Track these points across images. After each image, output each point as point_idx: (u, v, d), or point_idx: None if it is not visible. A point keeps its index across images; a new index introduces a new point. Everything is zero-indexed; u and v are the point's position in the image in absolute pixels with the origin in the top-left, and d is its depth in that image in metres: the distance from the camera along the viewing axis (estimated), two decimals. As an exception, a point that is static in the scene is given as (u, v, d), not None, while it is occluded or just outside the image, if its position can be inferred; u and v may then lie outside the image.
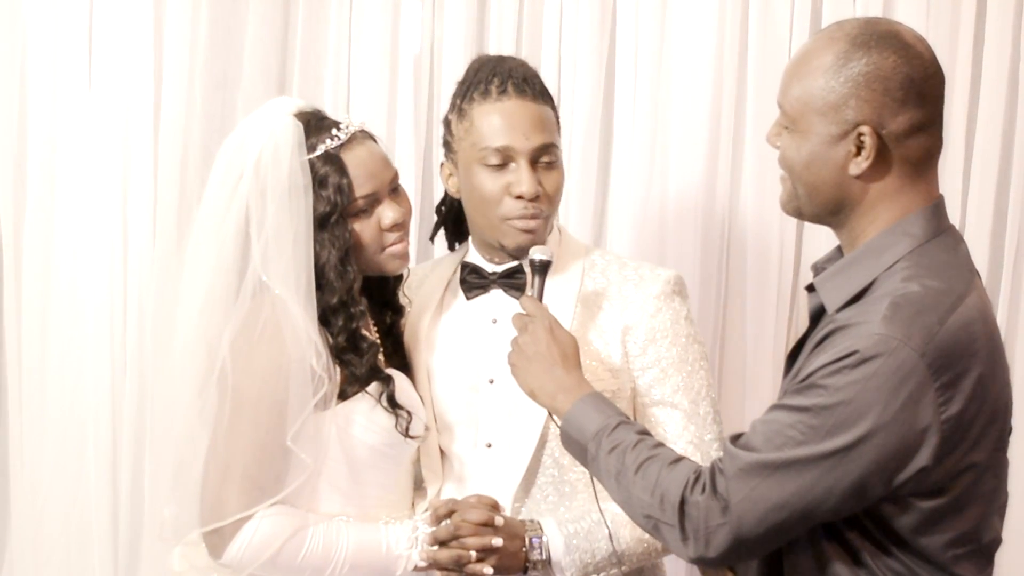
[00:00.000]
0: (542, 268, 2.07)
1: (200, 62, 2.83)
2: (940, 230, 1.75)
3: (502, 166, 2.14)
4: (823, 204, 1.78)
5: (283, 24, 2.89)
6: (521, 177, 2.13)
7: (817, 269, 1.89)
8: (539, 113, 2.16)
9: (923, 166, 1.75)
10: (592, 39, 2.88)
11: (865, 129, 1.70)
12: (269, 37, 2.86)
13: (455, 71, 2.84)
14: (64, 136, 2.82)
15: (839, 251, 1.86)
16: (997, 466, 1.74)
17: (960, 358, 1.64)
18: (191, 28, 2.81)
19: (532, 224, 2.15)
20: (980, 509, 1.72)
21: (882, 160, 1.72)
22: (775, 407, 1.73)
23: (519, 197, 2.13)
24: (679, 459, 1.79)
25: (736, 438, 1.75)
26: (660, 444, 1.83)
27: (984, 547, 1.76)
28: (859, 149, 1.71)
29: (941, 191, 1.81)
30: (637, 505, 1.78)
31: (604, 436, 1.84)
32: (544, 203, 2.15)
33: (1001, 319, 2.90)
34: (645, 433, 1.85)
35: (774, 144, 1.83)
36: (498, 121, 2.13)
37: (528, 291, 2.09)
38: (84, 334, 2.84)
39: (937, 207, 1.77)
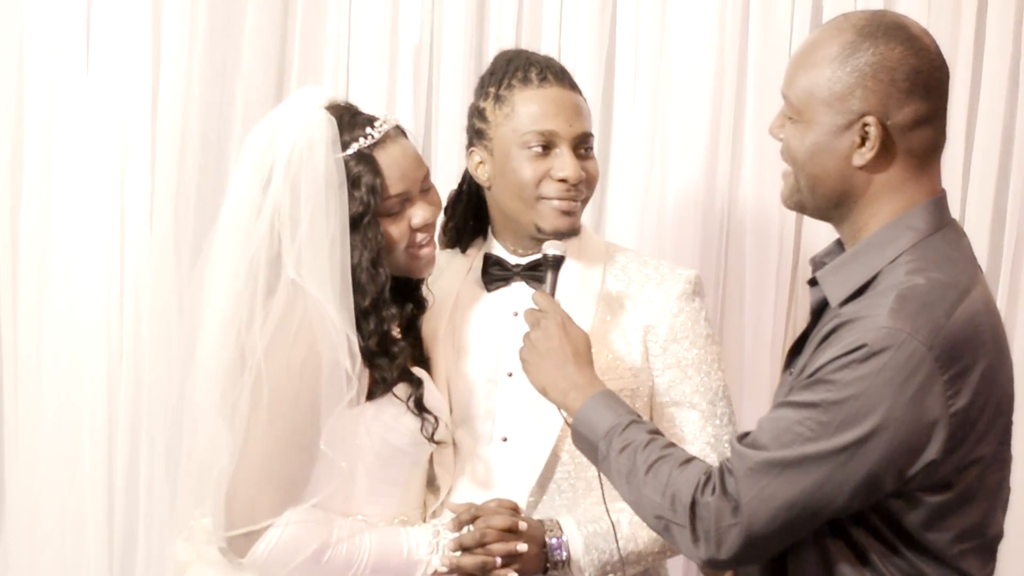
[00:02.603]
0: (555, 263, 2.07)
1: (199, 50, 2.81)
2: (943, 224, 1.75)
3: (544, 151, 2.14)
4: (826, 196, 1.77)
5: (282, 13, 2.88)
6: (565, 162, 2.13)
7: (816, 263, 1.88)
8: (579, 102, 2.18)
9: (927, 159, 1.75)
10: (592, 30, 2.87)
11: (870, 119, 1.69)
12: (268, 26, 2.85)
13: (455, 62, 2.86)
14: (61, 124, 2.81)
15: (839, 245, 1.86)
16: (1002, 459, 1.75)
17: (967, 351, 1.64)
18: (190, 16, 2.80)
19: (571, 205, 2.15)
20: (986, 503, 1.72)
21: (886, 151, 1.71)
22: (782, 404, 1.71)
23: (562, 180, 2.13)
24: (690, 459, 1.77)
25: (743, 437, 1.74)
26: (671, 444, 1.81)
27: (989, 541, 1.76)
28: (863, 140, 1.71)
29: (942, 186, 1.81)
30: (648, 506, 1.77)
31: (615, 435, 1.82)
32: (584, 187, 2.17)
33: (1000, 314, 2.89)
34: (656, 433, 1.84)
35: (777, 136, 1.82)
36: (542, 106, 2.13)
37: (544, 286, 2.07)
38: (80, 324, 2.82)
39: (939, 202, 1.77)
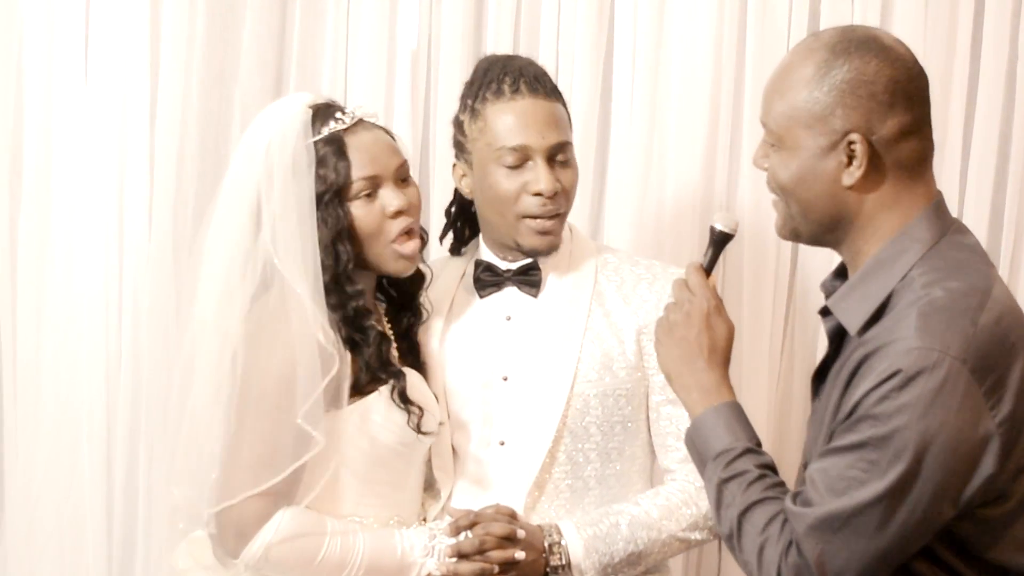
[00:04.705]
0: (720, 240, 1.95)
1: (197, 57, 2.82)
2: (946, 228, 1.72)
3: (519, 165, 2.15)
4: (819, 221, 1.73)
5: (280, 19, 2.89)
6: (539, 175, 2.14)
7: (827, 288, 1.84)
8: (552, 111, 2.17)
9: (918, 170, 1.72)
10: (590, 35, 2.87)
11: (855, 136, 1.66)
12: (266, 32, 2.86)
13: (452, 67, 2.86)
14: (60, 130, 2.82)
15: (845, 267, 1.83)
16: None
17: (1000, 357, 1.60)
18: (188, 23, 2.81)
19: (549, 224, 2.16)
20: None
21: (875, 168, 1.68)
22: (826, 453, 1.66)
23: (537, 194, 2.14)
24: (784, 515, 1.69)
25: (795, 496, 1.68)
26: (777, 485, 1.74)
27: None
28: (850, 159, 1.68)
29: (937, 189, 1.78)
30: (738, 548, 1.72)
31: (724, 462, 1.75)
32: (562, 199, 2.17)
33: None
34: (767, 468, 1.76)
35: (761, 166, 1.79)
36: (513, 120, 2.14)
37: (702, 261, 1.95)
38: (79, 328, 2.83)
39: (938, 206, 1.74)
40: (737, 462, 1.74)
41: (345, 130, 2.09)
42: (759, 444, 1.80)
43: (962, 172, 2.93)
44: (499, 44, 2.86)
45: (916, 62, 1.72)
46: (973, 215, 2.92)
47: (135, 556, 2.88)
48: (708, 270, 1.92)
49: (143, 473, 2.85)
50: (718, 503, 1.75)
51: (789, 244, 2.92)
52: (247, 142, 2.12)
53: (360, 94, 2.86)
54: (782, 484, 1.75)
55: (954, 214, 2.80)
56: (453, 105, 2.83)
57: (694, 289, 1.88)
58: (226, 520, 1.99)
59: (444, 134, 2.88)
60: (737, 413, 1.81)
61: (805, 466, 1.75)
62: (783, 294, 2.93)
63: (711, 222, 1.97)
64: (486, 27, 2.90)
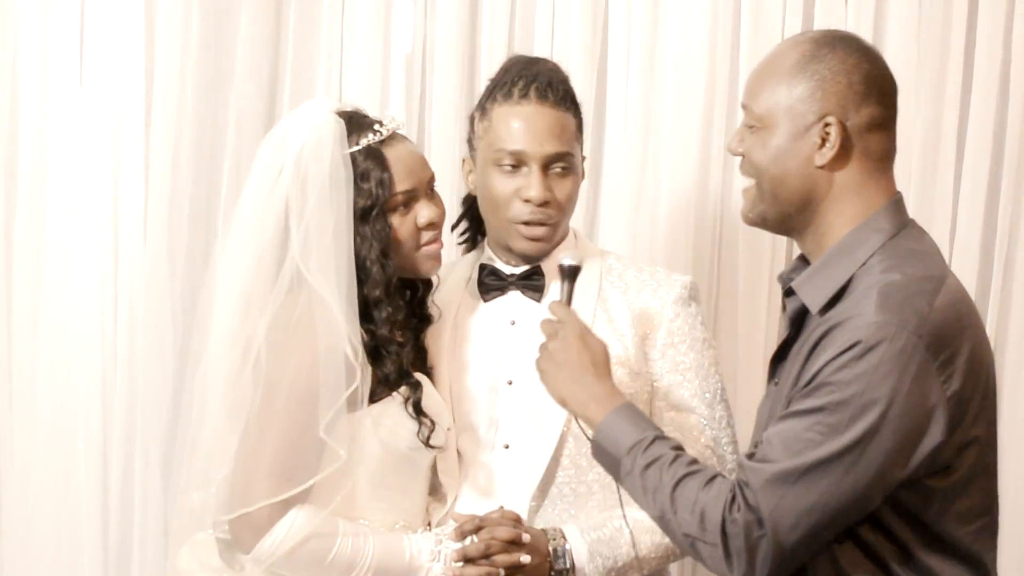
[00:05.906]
0: (571, 273, 2.06)
1: (192, 61, 2.83)
2: (905, 223, 1.83)
3: (515, 170, 2.16)
4: (789, 200, 1.83)
5: (275, 24, 2.90)
6: (531, 182, 2.15)
7: (784, 279, 1.94)
8: (557, 120, 2.18)
9: (883, 163, 1.84)
10: (584, 38, 2.88)
11: (831, 119, 1.78)
12: (261, 37, 2.87)
13: (447, 71, 2.88)
14: (55, 134, 2.83)
15: (803, 260, 1.92)
16: (993, 439, 1.81)
17: (953, 337, 1.71)
18: (183, 27, 2.82)
19: (539, 231, 2.18)
20: (987, 483, 1.79)
21: (845, 152, 1.80)
22: (786, 415, 1.74)
23: (528, 201, 2.15)
24: (715, 477, 1.78)
25: (751, 455, 1.76)
26: (695, 461, 1.82)
27: (994, 519, 1.81)
28: (824, 140, 1.79)
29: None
30: (674, 523, 1.77)
31: (640, 451, 1.82)
32: (553, 209, 2.18)
33: (992, 319, 2.92)
34: (681, 449, 1.84)
35: (736, 151, 1.90)
36: (515, 125, 2.16)
37: (559, 296, 2.06)
38: (75, 332, 2.84)
39: (899, 203, 1.85)
40: (652, 448, 1.82)
41: (382, 141, 2.09)
42: (663, 432, 1.88)
43: (956, 176, 2.94)
44: (493, 48, 2.87)
45: (889, 69, 1.86)
46: (967, 219, 2.93)
47: (131, 559, 2.88)
48: (568, 303, 2.03)
49: (139, 476, 2.85)
50: (643, 490, 1.81)
51: (784, 246, 2.93)
52: (272, 151, 2.09)
53: (355, 98, 2.85)
54: (696, 460, 1.83)
55: (948, 215, 2.90)
56: (448, 109, 2.87)
57: (562, 318, 1.98)
58: (240, 525, 1.99)
59: (439, 138, 2.89)
60: (635, 410, 1.89)
61: (753, 450, 1.81)
62: (777, 302, 2.93)
63: (559, 260, 2.07)
64: (480, 31, 2.91)
